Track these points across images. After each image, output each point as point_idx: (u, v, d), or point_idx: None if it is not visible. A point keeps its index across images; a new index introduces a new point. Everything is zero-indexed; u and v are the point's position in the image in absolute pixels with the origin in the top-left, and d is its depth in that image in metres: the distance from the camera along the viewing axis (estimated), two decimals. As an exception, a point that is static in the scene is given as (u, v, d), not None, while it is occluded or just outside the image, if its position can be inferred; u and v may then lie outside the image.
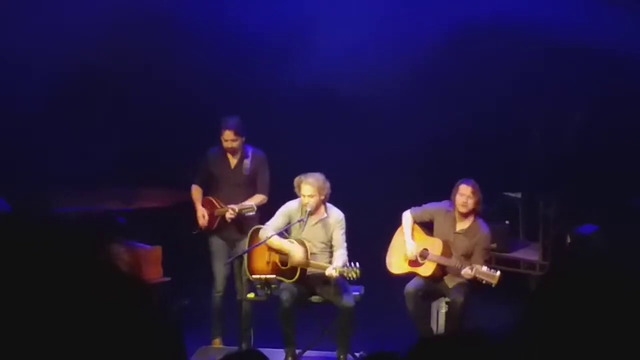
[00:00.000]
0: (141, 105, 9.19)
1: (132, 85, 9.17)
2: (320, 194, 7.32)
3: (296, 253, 7.33)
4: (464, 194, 7.48)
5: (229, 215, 7.65)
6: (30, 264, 1.46)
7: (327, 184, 7.36)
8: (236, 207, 7.65)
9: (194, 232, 7.87)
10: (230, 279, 7.89)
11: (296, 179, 7.40)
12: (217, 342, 7.87)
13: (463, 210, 7.47)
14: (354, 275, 7.14)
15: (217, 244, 7.84)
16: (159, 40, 9.12)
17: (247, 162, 7.78)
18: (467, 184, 7.51)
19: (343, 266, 7.17)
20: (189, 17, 9.11)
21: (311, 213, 7.36)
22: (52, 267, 1.46)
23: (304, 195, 7.32)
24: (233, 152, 7.78)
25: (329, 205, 7.48)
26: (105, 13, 8.85)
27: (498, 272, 7.17)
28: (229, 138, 7.71)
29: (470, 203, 7.46)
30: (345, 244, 7.40)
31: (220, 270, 7.82)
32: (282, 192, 7.70)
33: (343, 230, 7.43)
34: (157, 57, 9.16)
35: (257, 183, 7.82)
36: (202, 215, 7.81)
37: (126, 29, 8.96)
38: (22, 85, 8.49)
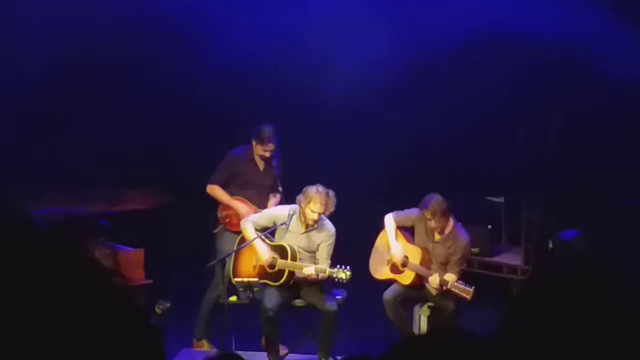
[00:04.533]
0: (127, 105, 9.16)
1: (119, 85, 9.14)
2: (324, 213, 7.32)
3: (264, 257, 7.32)
4: (426, 217, 7.40)
5: None
6: (9, 266, 1.46)
7: (335, 200, 7.29)
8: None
9: (216, 231, 7.78)
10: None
11: (312, 192, 7.22)
12: (205, 344, 7.81)
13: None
14: (344, 277, 7.11)
15: (230, 241, 7.70)
16: (148, 40, 9.09)
17: (274, 163, 7.82)
18: (425, 207, 7.38)
19: (333, 267, 7.16)
20: (180, 17, 9.10)
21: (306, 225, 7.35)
22: (32, 269, 1.46)
23: (312, 211, 7.24)
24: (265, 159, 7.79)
25: (322, 216, 7.45)
26: (95, 10, 8.85)
27: (472, 287, 7.14)
28: (270, 150, 7.72)
29: (434, 222, 7.39)
30: (329, 260, 7.32)
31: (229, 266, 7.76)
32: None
33: (331, 246, 7.37)
34: (145, 57, 9.14)
35: (276, 181, 7.85)
36: (246, 211, 7.69)
37: (112, 28, 8.95)
38: (3, 83, 8.44)
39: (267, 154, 7.75)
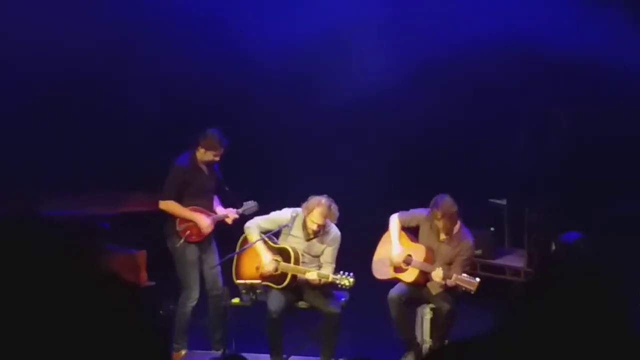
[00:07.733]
0: (127, 109, 9.17)
1: (119, 90, 9.15)
2: (326, 222, 7.32)
3: (266, 266, 7.31)
4: (436, 217, 7.34)
5: (232, 218, 7.64)
6: (14, 268, 1.46)
7: (337, 213, 7.31)
8: (241, 210, 7.67)
9: (178, 245, 7.69)
10: (202, 287, 7.78)
11: (313, 203, 7.24)
12: (183, 354, 7.74)
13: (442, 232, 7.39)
14: (347, 284, 7.11)
15: (193, 252, 7.64)
16: (145, 44, 9.10)
17: (215, 166, 7.74)
18: (436, 207, 7.31)
19: (336, 273, 7.16)
20: (180, 20, 9.10)
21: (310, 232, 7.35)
22: (36, 271, 1.46)
23: (312, 222, 7.27)
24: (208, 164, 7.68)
25: (328, 222, 7.42)
26: (101, 12, 8.85)
27: (477, 279, 7.12)
28: (220, 154, 7.60)
29: (442, 223, 7.30)
30: (334, 264, 7.34)
31: (197, 278, 7.70)
32: (272, 196, 7.73)
33: (336, 250, 7.39)
34: (142, 62, 9.15)
35: (220, 183, 7.80)
36: (207, 223, 7.63)
37: (113, 32, 8.96)
38: (3, 87, 8.45)
39: (217, 158, 7.59)
